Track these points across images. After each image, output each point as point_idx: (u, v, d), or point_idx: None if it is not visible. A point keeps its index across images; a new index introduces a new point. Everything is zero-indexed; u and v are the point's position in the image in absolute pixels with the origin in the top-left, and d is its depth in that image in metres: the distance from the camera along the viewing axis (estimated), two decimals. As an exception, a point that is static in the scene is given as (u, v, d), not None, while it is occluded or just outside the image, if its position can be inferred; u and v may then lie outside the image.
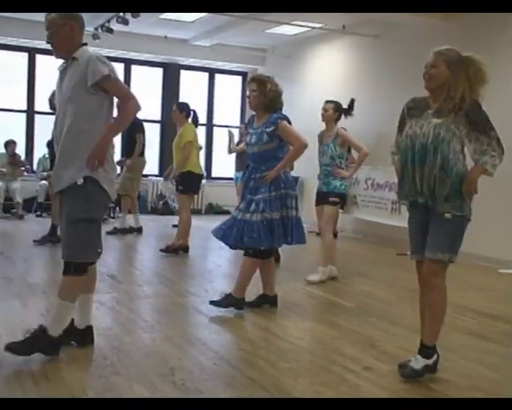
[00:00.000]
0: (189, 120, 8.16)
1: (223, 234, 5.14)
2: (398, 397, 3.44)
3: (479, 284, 6.96)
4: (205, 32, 12.04)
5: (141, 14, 9.57)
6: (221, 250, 7.30)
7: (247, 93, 5.27)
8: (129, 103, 3.81)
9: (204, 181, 13.05)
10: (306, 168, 10.40)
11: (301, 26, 11.10)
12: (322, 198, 6.67)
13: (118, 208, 11.14)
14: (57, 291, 3.81)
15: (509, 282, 7.18)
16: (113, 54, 12.70)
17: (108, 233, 9.07)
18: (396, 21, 9.26)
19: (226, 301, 5.12)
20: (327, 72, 11.62)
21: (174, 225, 10.24)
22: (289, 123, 5.24)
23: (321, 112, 6.66)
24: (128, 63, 13.18)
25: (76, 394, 3.28)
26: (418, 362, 3.68)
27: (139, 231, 9.47)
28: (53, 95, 8.71)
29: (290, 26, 11.20)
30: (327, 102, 6.70)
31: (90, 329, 4.06)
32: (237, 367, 3.82)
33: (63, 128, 3.75)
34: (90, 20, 10.95)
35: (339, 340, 4.49)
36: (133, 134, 9.24)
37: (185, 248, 7.88)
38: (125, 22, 9.91)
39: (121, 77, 12.74)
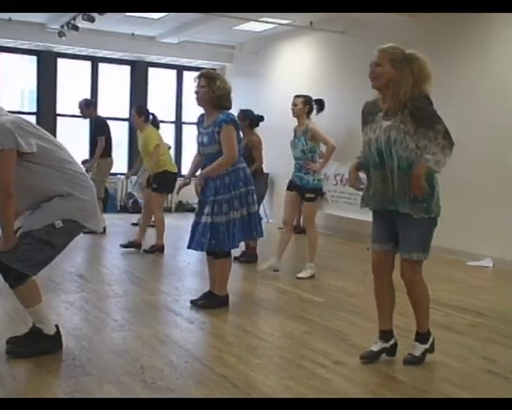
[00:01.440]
0: (149, 123, 8.09)
1: (201, 244, 5.10)
2: (368, 390, 3.48)
3: (447, 277, 7.04)
4: (172, 29, 11.98)
5: (107, 11, 9.49)
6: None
7: (196, 89, 5.16)
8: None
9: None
10: (277, 165, 10.43)
11: (269, 22, 11.12)
12: (295, 189, 6.68)
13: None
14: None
15: (477, 274, 7.29)
16: (79, 52, 12.61)
17: (85, 232, 9.02)
18: (362, 18, 9.31)
19: (212, 302, 5.17)
20: (295, 68, 11.65)
21: (134, 224, 10.20)
22: (236, 127, 5.10)
23: (291, 107, 6.68)
24: (95, 61, 13.06)
25: (44, 395, 3.26)
26: (417, 349, 3.90)
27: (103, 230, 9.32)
28: None
29: (258, 23, 11.19)
30: (296, 96, 6.73)
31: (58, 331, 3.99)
32: (208, 365, 3.82)
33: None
34: (56, 18, 10.86)
35: (309, 335, 4.52)
36: (95, 136, 9.17)
37: (161, 248, 7.84)
38: (91, 19, 9.82)
39: (88, 75, 12.86)
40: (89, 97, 9.99)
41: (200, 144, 5.22)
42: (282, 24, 11.17)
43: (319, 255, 8.07)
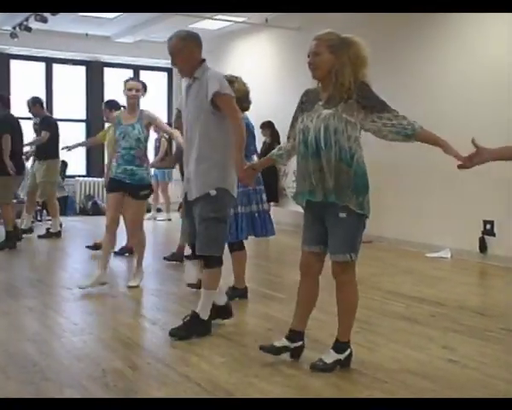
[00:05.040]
0: None
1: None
2: (331, 383, 3.50)
3: (407, 268, 7.13)
4: (127, 29, 11.89)
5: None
6: (154, 247, 7.24)
7: None
8: (237, 120, 4.16)
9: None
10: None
11: (224, 20, 11.11)
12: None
13: (45, 212, 10.86)
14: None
15: (436, 265, 7.39)
16: (32, 53, 12.42)
17: (40, 237, 8.98)
18: (318, 13, 9.36)
19: (233, 294, 5.34)
20: (251, 65, 11.65)
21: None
22: (248, 129, 4.98)
23: None
24: (49, 62, 12.87)
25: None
26: (330, 356, 3.70)
27: (57, 234, 9.22)
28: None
29: (213, 21, 11.18)
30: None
31: (228, 303, 4.69)
32: (171, 365, 3.80)
33: (193, 144, 4.20)
34: (7, 19, 10.67)
35: (271, 331, 4.53)
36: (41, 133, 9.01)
37: (131, 250, 7.67)
38: (44, 20, 9.68)
39: (42, 76, 12.68)
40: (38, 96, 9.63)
41: None
42: (238, 22, 11.18)
43: (281, 252, 8.09)
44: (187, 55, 4.23)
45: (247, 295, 5.53)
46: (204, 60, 4.30)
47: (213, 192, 4.16)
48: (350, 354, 3.75)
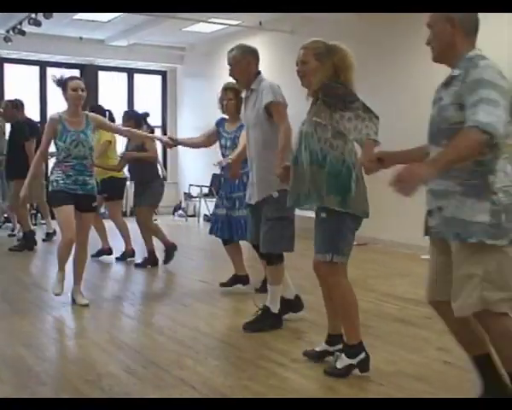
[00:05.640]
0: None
1: (221, 231, 5.75)
2: (326, 386, 3.50)
3: (402, 270, 7.14)
4: (121, 32, 11.87)
5: (53, 15, 9.32)
6: (143, 252, 7.21)
7: (224, 101, 5.69)
8: (284, 124, 4.46)
9: (127, 183, 12.90)
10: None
11: (218, 23, 11.11)
12: None
13: (40, 215, 10.82)
14: None
15: (430, 267, 7.38)
16: (26, 56, 12.40)
17: (45, 240, 9.00)
18: (311, 17, 9.37)
19: (233, 281, 5.87)
20: (246, 68, 11.64)
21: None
22: None
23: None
24: (43, 66, 12.84)
25: (-1, 408, 3.19)
26: (341, 361, 3.63)
27: (54, 233, 9.16)
28: None
29: (207, 24, 11.18)
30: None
31: (298, 297, 4.91)
32: (166, 369, 3.80)
33: (254, 151, 4.52)
34: (1, 23, 10.64)
35: (266, 334, 4.52)
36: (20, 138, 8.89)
37: (132, 253, 7.53)
38: (38, 24, 9.65)
39: (36, 80, 12.65)
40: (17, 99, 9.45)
41: (223, 147, 5.76)
42: (232, 25, 11.18)
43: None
44: (244, 67, 4.65)
45: (248, 281, 5.90)
46: (260, 72, 4.72)
47: (275, 194, 4.40)
48: (365, 358, 3.63)
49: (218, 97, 5.82)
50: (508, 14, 6.69)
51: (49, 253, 8.46)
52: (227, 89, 5.71)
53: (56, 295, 5.32)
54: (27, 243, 8.38)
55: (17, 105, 8.70)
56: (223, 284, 5.90)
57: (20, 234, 8.81)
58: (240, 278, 5.91)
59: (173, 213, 13.27)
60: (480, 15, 2.86)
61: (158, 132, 13.19)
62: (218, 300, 5.60)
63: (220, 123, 5.86)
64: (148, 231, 7.10)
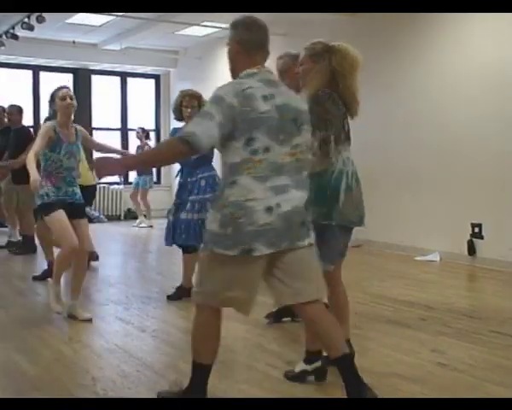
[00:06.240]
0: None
1: (184, 238, 5.65)
2: (321, 389, 3.50)
3: (396, 272, 7.15)
4: (114, 36, 11.86)
5: (46, 19, 9.30)
6: (142, 254, 7.22)
7: (189, 109, 5.58)
8: None
9: (121, 187, 12.92)
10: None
11: (211, 26, 11.11)
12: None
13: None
14: None
15: (425, 269, 7.41)
16: (19, 61, 12.38)
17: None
18: (304, 19, 9.37)
19: (178, 293, 5.67)
20: (239, 71, 11.64)
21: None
22: None
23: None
24: (36, 70, 12.83)
25: (-7, 413, 3.18)
26: (298, 365, 3.62)
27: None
28: None
29: (200, 27, 11.18)
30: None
31: None
32: (160, 373, 3.79)
33: None
34: (-6, 27, 10.62)
35: (261, 337, 4.52)
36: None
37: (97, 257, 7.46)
38: (30, 28, 9.61)
39: (29, 84, 12.62)
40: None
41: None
42: (225, 28, 11.16)
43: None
44: (295, 73, 4.28)
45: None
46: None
47: None
48: (321, 369, 3.57)
49: (175, 104, 5.69)
50: (508, 14, 6.69)
51: (43, 258, 8.44)
52: (192, 96, 5.64)
53: (58, 313, 5.11)
54: (29, 247, 8.33)
55: (21, 110, 8.77)
56: (170, 297, 5.69)
57: (14, 238, 8.80)
58: (188, 291, 5.42)
59: (167, 217, 13.24)
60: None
61: (152, 136, 13.30)
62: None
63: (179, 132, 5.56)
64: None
